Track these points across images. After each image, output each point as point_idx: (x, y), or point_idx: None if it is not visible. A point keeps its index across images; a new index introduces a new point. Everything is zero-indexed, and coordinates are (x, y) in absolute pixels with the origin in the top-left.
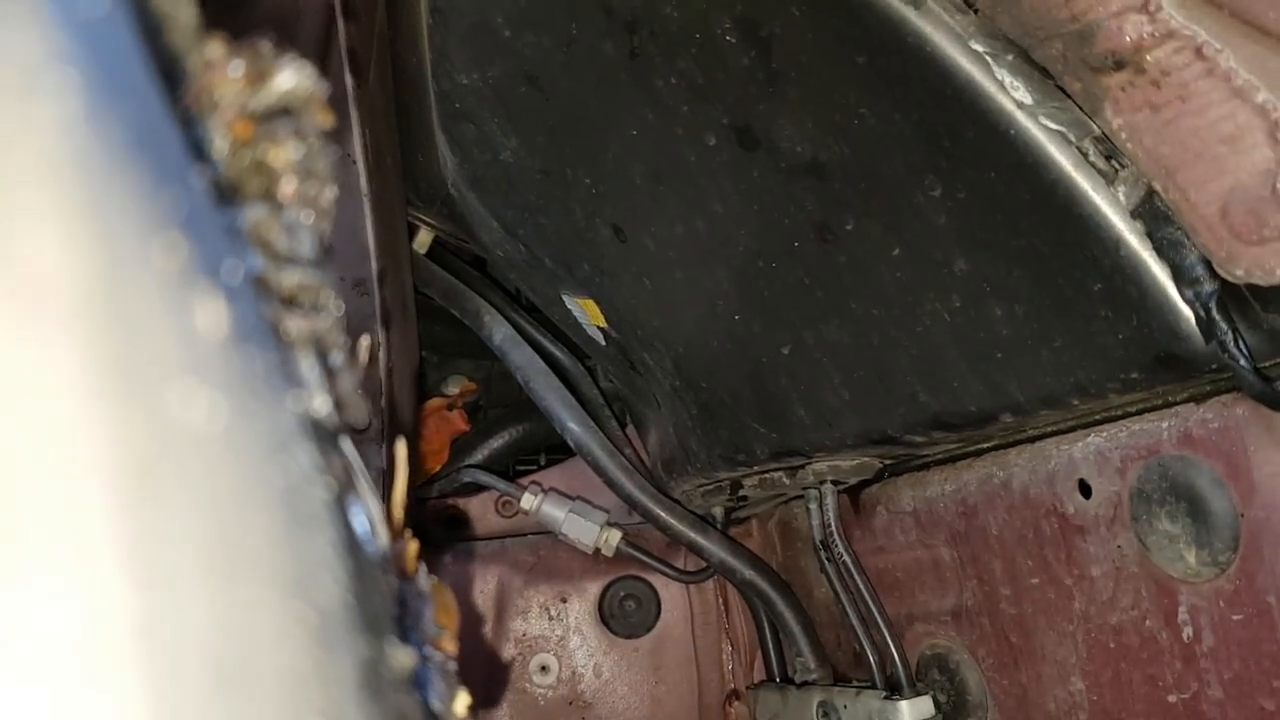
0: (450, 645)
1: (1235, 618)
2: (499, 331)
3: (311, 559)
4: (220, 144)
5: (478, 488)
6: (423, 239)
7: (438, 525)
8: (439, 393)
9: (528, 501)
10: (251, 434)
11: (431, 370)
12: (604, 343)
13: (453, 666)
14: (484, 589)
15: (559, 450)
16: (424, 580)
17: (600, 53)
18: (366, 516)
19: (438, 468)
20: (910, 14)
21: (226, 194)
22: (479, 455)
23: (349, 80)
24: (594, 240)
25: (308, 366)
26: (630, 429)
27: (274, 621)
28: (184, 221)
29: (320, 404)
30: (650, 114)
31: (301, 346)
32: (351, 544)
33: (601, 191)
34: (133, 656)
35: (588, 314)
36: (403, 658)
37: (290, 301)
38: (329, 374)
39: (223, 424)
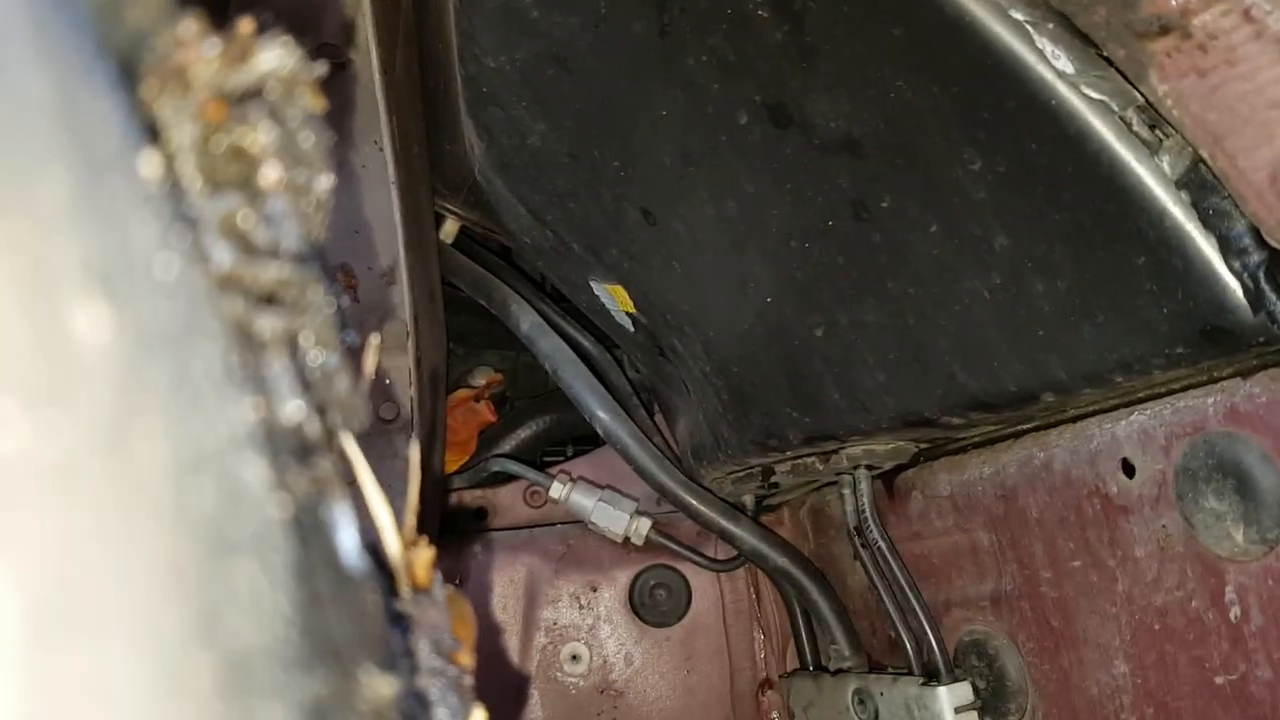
0: (466, 659)
1: None
2: (526, 320)
3: (227, 594)
4: (190, 128)
5: (506, 477)
6: (449, 229)
7: (466, 516)
8: (466, 384)
9: (556, 490)
10: (145, 459)
11: (457, 362)
12: (632, 329)
13: (468, 681)
14: (514, 578)
15: (586, 441)
16: (439, 591)
17: (629, 31)
18: (356, 528)
19: (465, 459)
20: None
21: (190, 181)
22: (506, 446)
23: (375, 67)
24: (622, 224)
25: (280, 369)
26: (658, 418)
27: (134, 682)
28: (90, 217)
29: (293, 410)
30: (680, 93)
31: (275, 347)
32: (309, 566)
33: (630, 174)
34: None
35: (616, 300)
36: (383, 688)
37: (269, 299)
38: (312, 376)
39: (85, 452)
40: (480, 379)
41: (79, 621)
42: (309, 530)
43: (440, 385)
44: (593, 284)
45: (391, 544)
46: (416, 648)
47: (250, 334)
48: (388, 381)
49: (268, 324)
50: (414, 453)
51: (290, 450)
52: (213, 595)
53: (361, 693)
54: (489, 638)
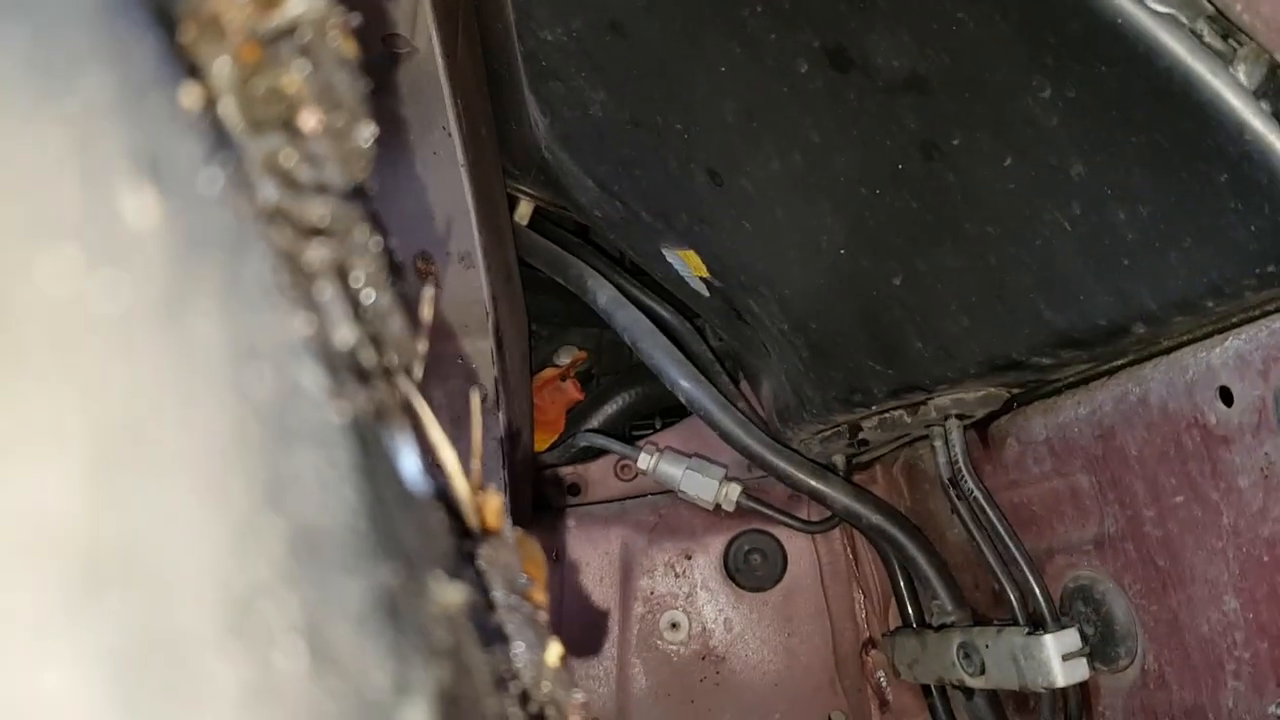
0: (540, 595)
1: None
2: (603, 294)
3: (292, 472)
4: (228, 71)
5: (595, 453)
6: (523, 210)
7: (557, 492)
8: (551, 364)
9: (644, 461)
10: (202, 335)
11: (541, 343)
12: (708, 294)
13: (543, 617)
14: (608, 550)
15: (673, 413)
16: (509, 533)
17: None
18: (419, 457)
19: (554, 437)
20: None
21: (232, 122)
22: (594, 422)
23: (438, 52)
24: (690, 188)
25: (330, 296)
26: (743, 385)
27: (206, 521)
28: (134, 120)
29: (345, 334)
30: (737, 47)
31: (324, 276)
32: (373, 472)
33: (694, 136)
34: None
35: (689, 265)
36: (451, 594)
37: (317, 233)
38: (364, 310)
39: (141, 314)
40: (565, 358)
41: (146, 457)
42: (370, 443)
43: (524, 365)
44: (665, 252)
45: (460, 486)
46: (491, 586)
47: (299, 262)
48: (473, 365)
49: (316, 255)
50: (474, 399)
51: (347, 369)
52: (278, 469)
53: (432, 596)
54: (587, 608)
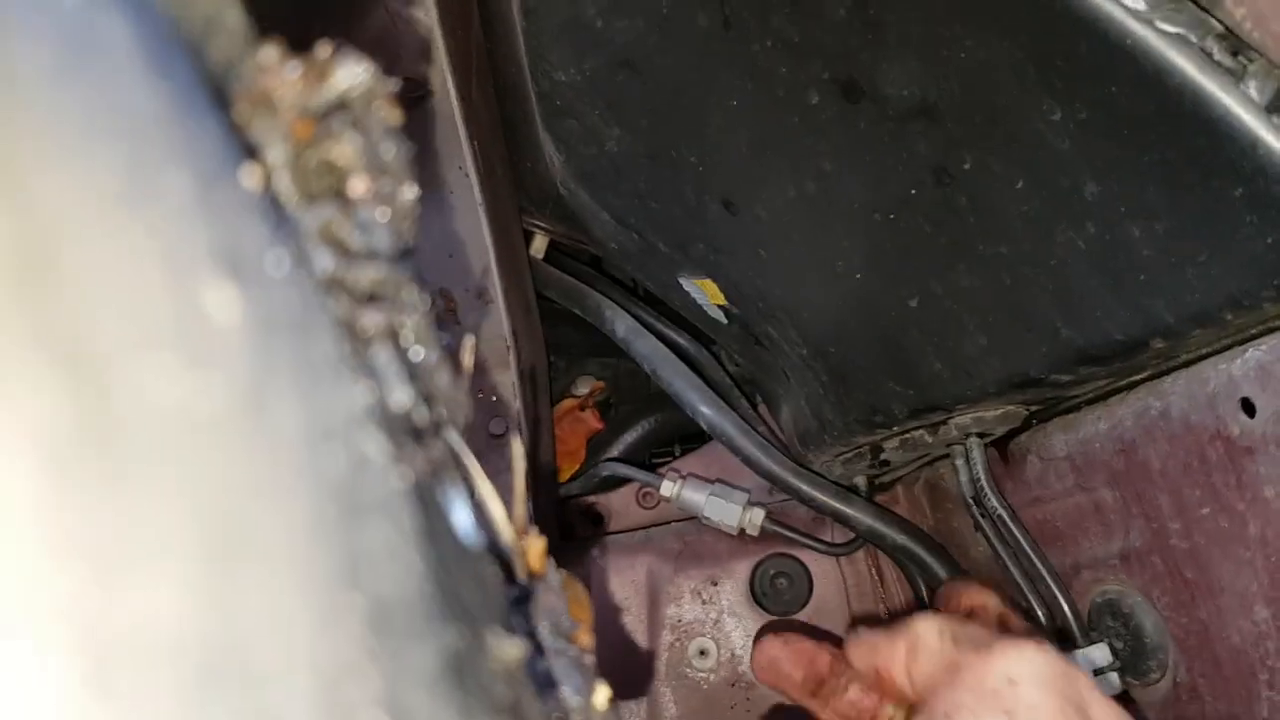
0: (586, 639)
1: None
2: (621, 324)
3: (366, 547)
4: (281, 146)
5: (617, 482)
6: (538, 244)
7: (582, 522)
8: (569, 394)
9: (667, 488)
10: (283, 424)
11: (559, 374)
12: (726, 321)
13: (590, 660)
14: (634, 579)
15: (693, 440)
16: (554, 576)
17: (693, 27)
18: (470, 510)
19: (576, 467)
20: None
21: (288, 196)
22: (614, 451)
23: (453, 95)
24: (705, 217)
25: (385, 360)
26: (762, 409)
27: (297, 609)
28: (209, 215)
29: (401, 396)
30: (749, 82)
31: (379, 341)
32: (434, 533)
33: (708, 167)
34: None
35: (706, 294)
36: (510, 649)
37: (370, 298)
38: (415, 368)
39: (232, 412)
40: (583, 388)
41: (242, 552)
42: (429, 504)
43: (545, 396)
44: (682, 281)
45: (505, 531)
46: (538, 630)
47: (356, 329)
48: (494, 398)
49: (371, 320)
50: (516, 446)
51: (404, 431)
52: (354, 547)
53: (491, 652)
54: (616, 637)
